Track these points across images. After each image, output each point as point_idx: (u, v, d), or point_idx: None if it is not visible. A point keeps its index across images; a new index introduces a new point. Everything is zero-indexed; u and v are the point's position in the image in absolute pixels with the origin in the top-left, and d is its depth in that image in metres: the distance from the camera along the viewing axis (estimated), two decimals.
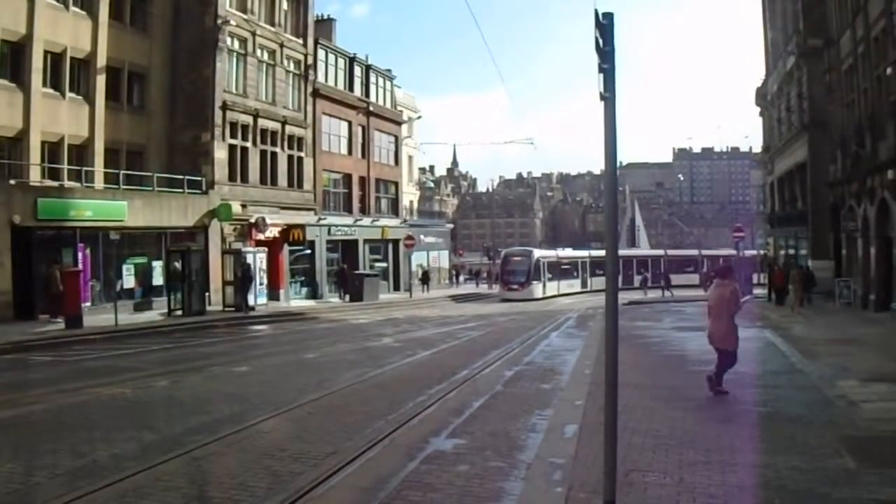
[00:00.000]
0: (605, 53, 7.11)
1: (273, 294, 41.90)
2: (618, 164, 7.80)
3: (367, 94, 58.73)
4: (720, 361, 14.24)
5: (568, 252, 70.49)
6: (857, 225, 34.17)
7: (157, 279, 37.01)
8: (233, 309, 36.69)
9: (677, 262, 74.35)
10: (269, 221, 43.09)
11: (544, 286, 60.53)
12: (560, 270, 64.04)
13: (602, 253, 68.30)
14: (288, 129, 47.29)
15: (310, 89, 49.94)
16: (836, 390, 13.98)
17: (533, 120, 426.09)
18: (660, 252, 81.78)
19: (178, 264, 34.58)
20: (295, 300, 46.10)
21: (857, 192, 33.79)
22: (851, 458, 9.45)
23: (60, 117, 34.52)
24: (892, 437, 10.48)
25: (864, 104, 32.85)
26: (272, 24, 46.26)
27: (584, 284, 67.36)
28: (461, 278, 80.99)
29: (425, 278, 62.22)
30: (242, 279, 36.67)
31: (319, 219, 49.71)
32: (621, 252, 63.97)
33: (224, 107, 41.61)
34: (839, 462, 9.33)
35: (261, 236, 42.80)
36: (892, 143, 28.13)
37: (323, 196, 52.02)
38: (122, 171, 35.80)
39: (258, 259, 38.63)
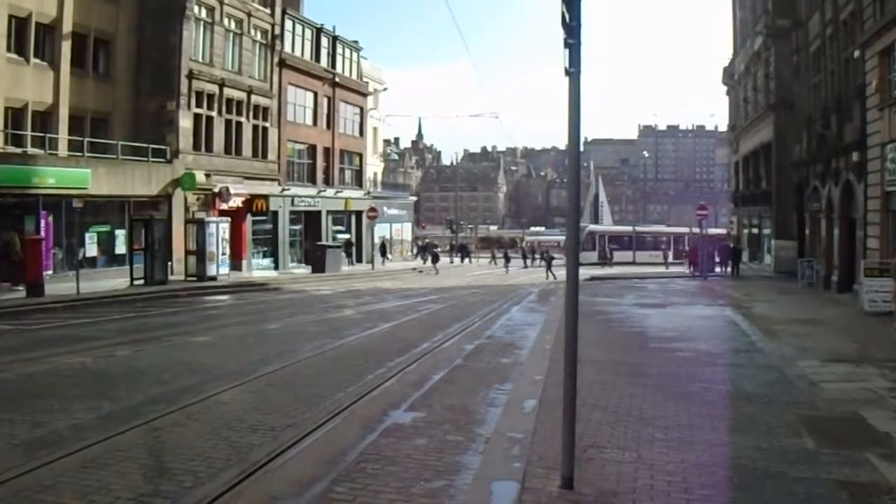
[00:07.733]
0: (572, 29, 7.07)
1: (235, 264, 41.55)
2: (582, 139, 7.80)
3: (334, 66, 58.28)
4: None
5: (626, 228, 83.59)
6: (821, 205, 34.46)
7: (120, 248, 36.70)
8: (195, 278, 36.49)
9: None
10: (232, 191, 42.81)
11: (599, 255, 72.05)
12: (617, 242, 76.37)
13: (650, 228, 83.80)
14: (253, 98, 46.88)
15: (276, 59, 49.47)
16: (797, 370, 14.09)
17: (498, 94, 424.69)
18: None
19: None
20: (257, 271, 45.81)
21: (821, 173, 34.01)
22: (811, 437, 9.54)
23: (24, 83, 33.84)
24: (851, 417, 10.56)
25: (830, 86, 33.10)
26: None
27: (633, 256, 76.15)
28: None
29: (425, 249, 70.28)
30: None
31: (283, 189, 49.47)
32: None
33: (190, 75, 41.12)
34: (798, 441, 9.41)
35: (224, 206, 42.50)
36: (857, 125, 28.29)
37: (287, 167, 51.63)
38: (86, 139, 35.29)
39: (221, 229, 38.24)
